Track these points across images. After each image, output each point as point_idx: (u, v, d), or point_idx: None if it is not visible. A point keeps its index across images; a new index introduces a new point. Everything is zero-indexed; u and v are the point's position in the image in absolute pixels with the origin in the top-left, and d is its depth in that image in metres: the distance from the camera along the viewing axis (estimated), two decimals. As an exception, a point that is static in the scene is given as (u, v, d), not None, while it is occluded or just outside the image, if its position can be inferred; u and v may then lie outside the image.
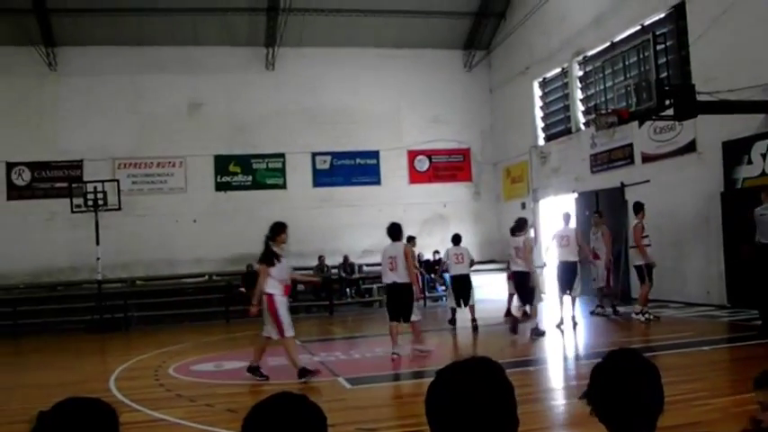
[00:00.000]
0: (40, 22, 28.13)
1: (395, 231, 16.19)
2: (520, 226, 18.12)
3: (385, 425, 9.62)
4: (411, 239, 20.47)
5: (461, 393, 2.46)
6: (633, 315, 18.49)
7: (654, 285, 18.90)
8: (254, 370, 13.06)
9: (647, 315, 18.38)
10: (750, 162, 18.62)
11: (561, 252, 19.09)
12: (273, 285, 13.02)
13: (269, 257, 13.22)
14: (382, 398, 11.41)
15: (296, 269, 28.08)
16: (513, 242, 17.95)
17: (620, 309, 20.18)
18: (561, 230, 19.46)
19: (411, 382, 12.74)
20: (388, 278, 15.53)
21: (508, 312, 21.17)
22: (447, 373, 2.57)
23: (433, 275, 28.46)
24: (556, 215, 27.66)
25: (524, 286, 17.64)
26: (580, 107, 27.07)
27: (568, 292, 19.06)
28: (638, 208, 19.21)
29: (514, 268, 18.00)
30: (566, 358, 15.29)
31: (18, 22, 27.90)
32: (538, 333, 17.10)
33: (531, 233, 20.26)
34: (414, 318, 15.33)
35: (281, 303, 13.03)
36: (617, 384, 2.94)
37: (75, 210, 25.31)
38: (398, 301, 15.33)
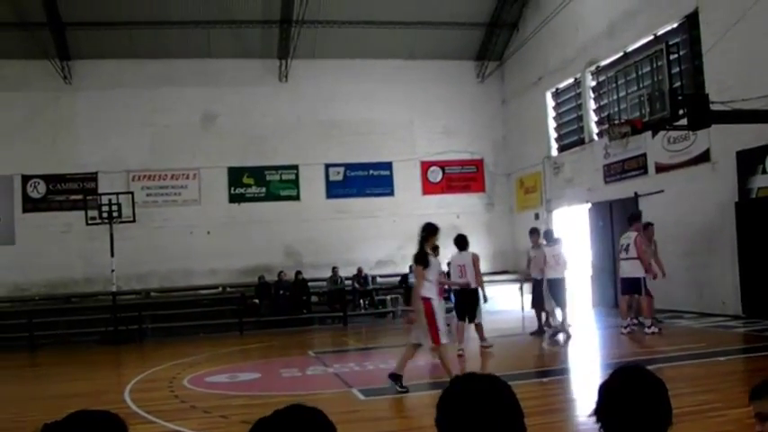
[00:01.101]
0: (55, 36, 28.27)
1: (462, 242, 17.83)
2: (552, 236, 19.92)
3: (399, 436, 9.63)
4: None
5: (470, 408, 2.49)
6: (646, 330, 17.91)
7: (655, 296, 18.83)
8: (396, 378, 12.41)
9: (653, 326, 18.02)
10: (765, 171, 18.58)
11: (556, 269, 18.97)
12: (429, 289, 12.61)
13: (423, 258, 12.80)
14: (396, 409, 11.42)
15: (308, 281, 28.30)
16: (553, 251, 19.03)
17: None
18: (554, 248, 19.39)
19: (425, 393, 12.70)
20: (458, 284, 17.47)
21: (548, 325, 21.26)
22: (456, 387, 2.60)
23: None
24: (569, 226, 27.78)
25: (563, 291, 18.95)
26: (593, 117, 27.02)
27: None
28: (635, 219, 19.02)
29: (552, 275, 18.85)
30: (579, 369, 15.26)
31: (33, 36, 28.02)
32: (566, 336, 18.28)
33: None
34: (477, 320, 17.55)
35: (439, 308, 12.65)
36: (623, 402, 2.94)
37: (90, 222, 25.38)
38: (467, 304, 17.45)
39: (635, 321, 18.71)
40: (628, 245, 18.30)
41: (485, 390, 2.57)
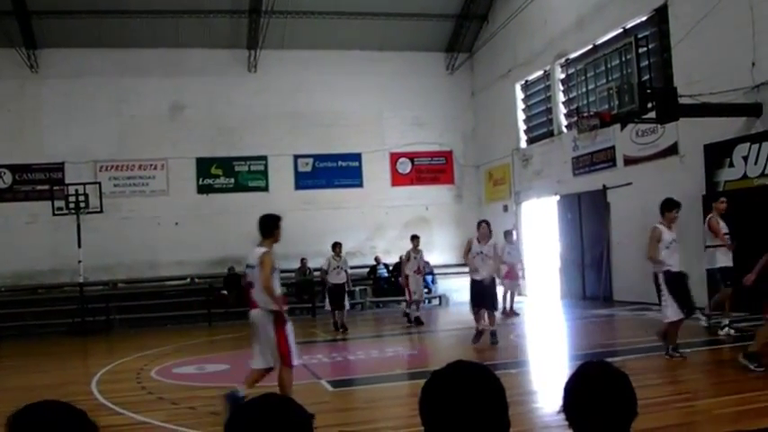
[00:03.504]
0: (21, 24, 27.93)
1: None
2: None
3: (367, 427, 9.63)
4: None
5: (456, 394, 2.48)
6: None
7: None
8: (758, 357, 11.06)
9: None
10: (732, 165, 18.69)
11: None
12: None
13: None
14: (364, 400, 11.42)
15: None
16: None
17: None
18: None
19: (392, 384, 12.73)
20: None
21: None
22: (444, 372, 2.59)
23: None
24: (537, 218, 27.92)
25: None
26: (562, 110, 27.12)
27: None
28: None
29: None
30: (546, 361, 15.30)
31: (-1, 24, 27.76)
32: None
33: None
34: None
35: None
36: (587, 398, 2.95)
37: (56, 212, 25.21)
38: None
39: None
40: None
41: (472, 377, 2.56)
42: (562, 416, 3.02)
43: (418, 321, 21.71)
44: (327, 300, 22.02)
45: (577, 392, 3.00)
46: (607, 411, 2.92)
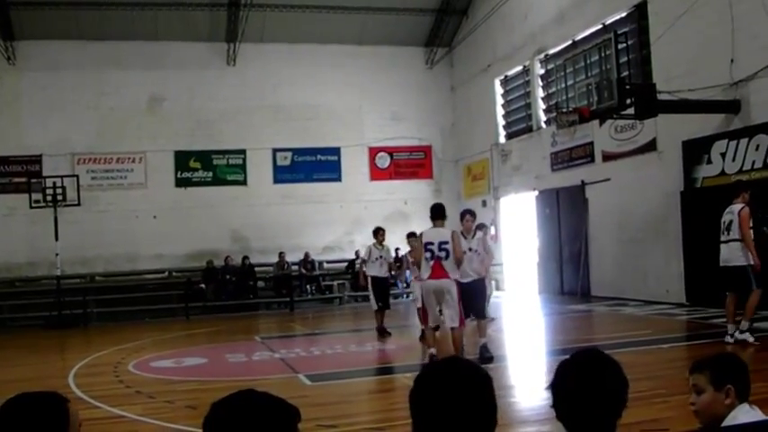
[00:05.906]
0: (-1, 16, 27.80)
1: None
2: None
3: (345, 421, 9.61)
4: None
5: (448, 389, 2.48)
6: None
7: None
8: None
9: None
10: (710, 161, 18.77)
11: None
12: None
13: None
14: (342, 394, 11.40)
15: (254, 266, 28.15)
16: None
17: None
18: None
19: (370, 378, 12.72)
20: None
21: None
22: (437, 367, 2.60)
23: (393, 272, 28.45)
24: (516, 213, 27.95)
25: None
26: (541, 105, 27.16)
27: None
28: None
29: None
30: (529, 356, 15.32)
31: (-24, 16, 27.56)
32: None
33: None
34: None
35: None
36: (578, 383, 2.95)
37: (33, 205, 25.09)
38: None
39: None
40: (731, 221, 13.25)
41: (466, 374, 2.55)
42: (545, 404, 3.02)
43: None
44: (372, 296, 18.39)
45: (568, 373, 3.00)
46: (597, 398, 2.93)
